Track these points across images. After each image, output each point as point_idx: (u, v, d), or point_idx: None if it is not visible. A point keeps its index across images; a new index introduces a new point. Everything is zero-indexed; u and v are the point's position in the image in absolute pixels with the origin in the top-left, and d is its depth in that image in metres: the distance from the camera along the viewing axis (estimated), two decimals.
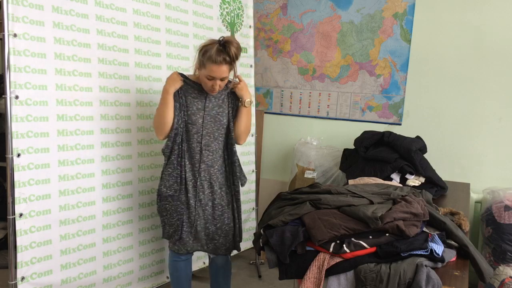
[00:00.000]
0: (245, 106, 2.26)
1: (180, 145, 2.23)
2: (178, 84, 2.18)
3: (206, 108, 2.23)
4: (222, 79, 2.12)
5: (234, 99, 2.30)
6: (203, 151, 2.24)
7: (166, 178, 2.23)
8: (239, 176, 2.33)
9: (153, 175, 2.66)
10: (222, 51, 2.06)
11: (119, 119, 2.45)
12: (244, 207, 3.28)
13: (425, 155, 2.89)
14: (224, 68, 2.08)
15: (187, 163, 2.25)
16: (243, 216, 3.27)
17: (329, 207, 1.78)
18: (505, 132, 3.05)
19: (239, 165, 2.35)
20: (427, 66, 3.21)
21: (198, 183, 2.25)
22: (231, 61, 2.09)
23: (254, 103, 2.42)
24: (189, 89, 2.23)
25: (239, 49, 2.10)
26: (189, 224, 2.29)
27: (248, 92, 2.28)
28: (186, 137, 2.24)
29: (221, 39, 2.09)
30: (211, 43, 2.09)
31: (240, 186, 2.36)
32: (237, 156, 2.34)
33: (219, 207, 2.31)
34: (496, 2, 2.99)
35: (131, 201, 2.56)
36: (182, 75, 2.22)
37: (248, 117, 2.31)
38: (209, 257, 2.47)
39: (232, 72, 2.19)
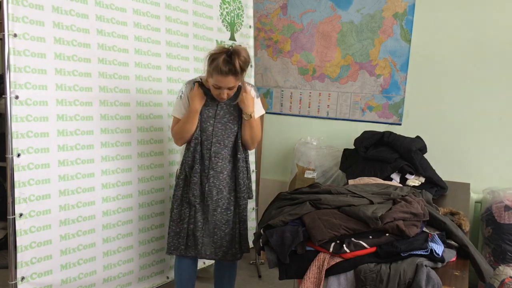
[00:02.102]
0: (244, 119, 2.22)
1: (200, 153, 2.25)
2: (203, 100, 2.19)
3: (216, 116, 2.23)
4: (229, 88, 2.11)
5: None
6: (213, 158, 2.24)
7: (193, 187, 2.24)
8: (242, 188, 2.31)
9: (153, 175, 2.66)
10: (229, 62, 2.01)
11: (119, 119, 2.45)
12: None
13: (425, 155, 2.89)
14: (231, 78, 2.05)
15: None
16: None
17: (329, 207, 1.78)
18: (505, 132, 3.05)
19: (245, 176, 2.33)
20: (427, 66, 3.21)
21: (206, 189, 2.25)
22: (237, 73, 2.05)
23: (264, 112, 2.39)
24: None
25: (246, 62, 2.06)
26: (197, 229, 2.29)
27: (250, 104, 2.21)
28: None
29: (230, 48, 2.05)
30: (220, 51, 2.04)
31: (246, 196, 2.35)
32: (244, 165, 2.31)
33: (228, 212, 2.31)
34: (496, 2, 2.99)
35: (131, 201, 2.56)
36: (199, 83, 2.20)
37: (251, 128, 2.25)
38: None
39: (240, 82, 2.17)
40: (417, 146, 2.80)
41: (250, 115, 2.22)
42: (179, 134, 2.24)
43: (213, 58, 2.04)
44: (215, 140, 2.24)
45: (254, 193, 3.20)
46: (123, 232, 2.53)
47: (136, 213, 2.59)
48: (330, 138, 3.55)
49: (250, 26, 3.24)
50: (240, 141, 2.28)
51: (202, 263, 3.03)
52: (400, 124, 3.34)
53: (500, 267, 2.73)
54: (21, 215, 2.07)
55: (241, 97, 2.20)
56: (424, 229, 1.74)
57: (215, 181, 2.26)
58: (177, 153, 2.76)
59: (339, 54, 3.47)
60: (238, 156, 2.28)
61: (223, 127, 2.24)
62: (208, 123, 2.23)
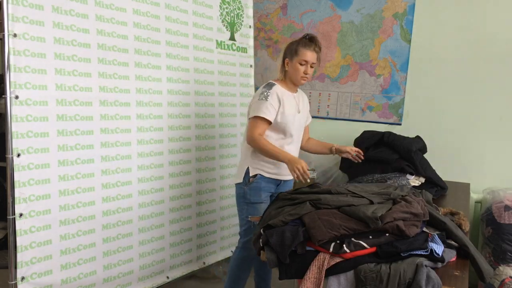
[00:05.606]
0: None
1: None
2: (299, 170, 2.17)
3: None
4: (311, 66, 2.35)
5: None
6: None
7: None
8: None
9: (153, 175, 2.66)
10: (311, 39, 2.36)
11: (119, 119, 2.45)
12: None
13: (425, 155, 2.90)
14: (314, 54, 2.34)
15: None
16: None
17: (329, 207, 1.77)
18: (505, 132, 3.05)
19: None
20: (427, 66, 3.21)
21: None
22: (319, 50, 2.37)
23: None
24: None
25: (321, 45, 2.41)
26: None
27: None
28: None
29: (306, 35, 2.38)
30: (298, 39, 2.39)
31: None
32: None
33: None
34: (496, 2, 2.98)
35: (131, 201, 2.56)
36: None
37: None
38: None
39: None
40: (417, 146, 2.80)
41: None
42: (264, 151, 2.27)
43: (295, 42, 2.36)
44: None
45: None
46: (123, 232, 2.53)
47: (136, 213, 2.59)
48: (330, 138, 3.53)
49: (250, 26, 3.24)
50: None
51: (202, 263, 3.03)
52: (400, 124, 3.34)
53: (500, 267, 2.73)
54: (21, 215, 2.07)
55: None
56: (424, 229, 1.73)
57: None
58: (177, 153, 2.77)
59: (339, 54, 3.46)
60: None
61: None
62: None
